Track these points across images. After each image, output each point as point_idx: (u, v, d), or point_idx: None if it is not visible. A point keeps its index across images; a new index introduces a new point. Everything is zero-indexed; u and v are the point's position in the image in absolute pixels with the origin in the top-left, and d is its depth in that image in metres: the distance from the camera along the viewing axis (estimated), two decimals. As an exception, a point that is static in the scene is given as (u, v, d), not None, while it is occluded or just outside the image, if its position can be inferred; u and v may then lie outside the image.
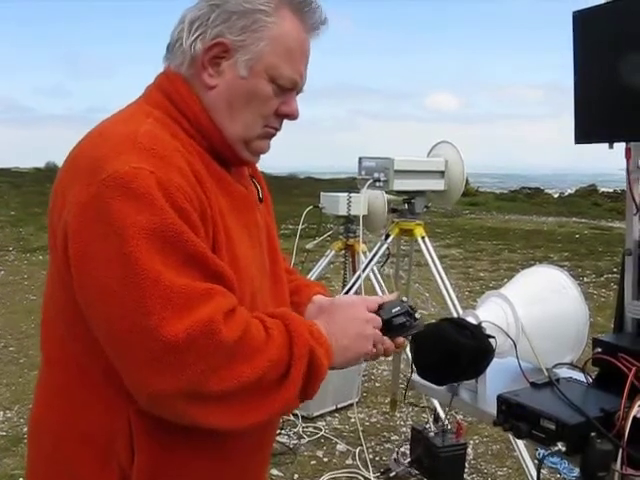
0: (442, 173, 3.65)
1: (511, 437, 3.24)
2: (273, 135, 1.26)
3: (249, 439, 1.19)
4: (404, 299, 1.35)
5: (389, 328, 1.28)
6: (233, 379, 1.03)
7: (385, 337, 1.27)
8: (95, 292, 1.02)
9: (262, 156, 1.30)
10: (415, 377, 1.57)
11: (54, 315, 1.18)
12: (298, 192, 15.42)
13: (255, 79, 1.17)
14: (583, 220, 16.53)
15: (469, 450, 3.71)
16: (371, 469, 3.58)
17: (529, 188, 28.70)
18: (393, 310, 1.29)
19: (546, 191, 28.04)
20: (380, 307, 1.29)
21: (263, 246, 1.31)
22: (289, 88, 1.21)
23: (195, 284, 1.03)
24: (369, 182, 3.50)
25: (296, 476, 3.57)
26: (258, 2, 1.15)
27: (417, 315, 1.32)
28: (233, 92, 1.17)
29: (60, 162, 1.23)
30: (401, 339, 1.31)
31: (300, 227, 4.10)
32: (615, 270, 9.03)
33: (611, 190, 25.73)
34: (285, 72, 1.18)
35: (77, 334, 1.11)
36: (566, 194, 27.26)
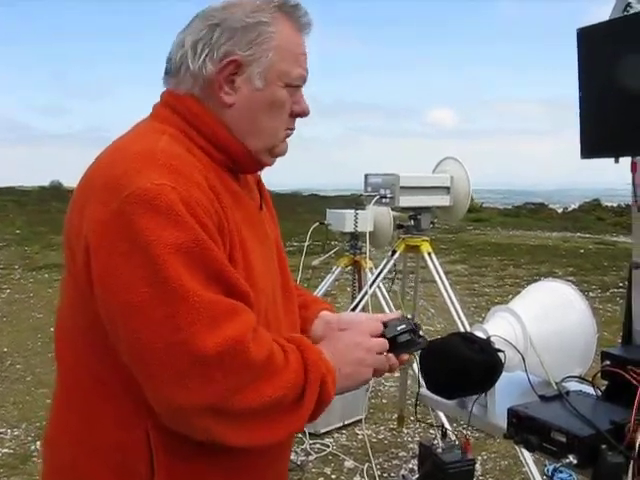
0: (448, 189, 3.67)
1: (519, 453, 3.22)
2: (290, 136, 1.28)
3: (265, 453, 1.20)
4: (408, 317, 1.37)
5: (394, 346, 1.29)
6: (256, 398, 1.04)
7: (390, 355, 1.28)
8: (121, 308, 1.02)
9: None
10: (424, 391, 1.58)
11: (71, 329, 1.18)
12: (302, 209, 15.43)
13: (271, 88, 1.20)
14: (587, 235, 16.49)
15: (477, 466, 3.69)
16: (379, 486, 3.57)
17: (533, 203, 28.70)
18: (398, 328, 1.30)
19: (550, 206, 28.03)
20: (385, 325, 1.31)
21: (274, 258, 1.33)
22: (299, 85, 1.24)
23: (221, 299, 1.04)
24: (375, 198, 3.52)
25: (304, 493, 3.56)
26: (258, 15, 1.18)
27: (421, 332, 1.33)
28: (253, 105, 1.20)
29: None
30: (405, 356, 1.32)
31: (307, 244, 4.10)
32: (621, 285, 9.00)
33: (615, 205, 25.69)
34: (295, 74, 1.22)
35: (96, 348, 1.12)
36: (570, 209, 27.23)
